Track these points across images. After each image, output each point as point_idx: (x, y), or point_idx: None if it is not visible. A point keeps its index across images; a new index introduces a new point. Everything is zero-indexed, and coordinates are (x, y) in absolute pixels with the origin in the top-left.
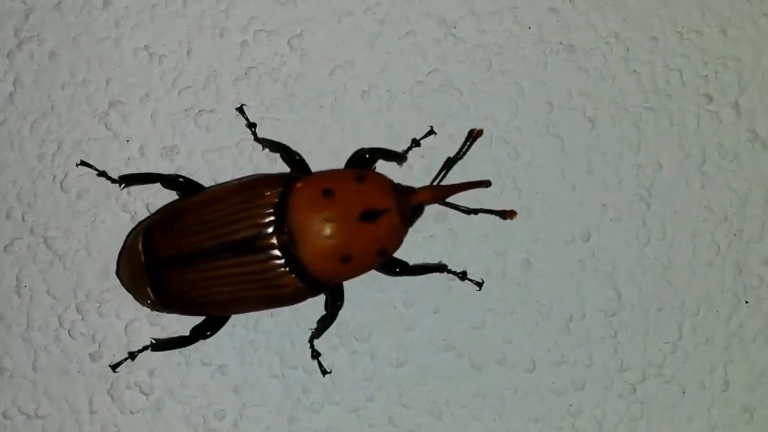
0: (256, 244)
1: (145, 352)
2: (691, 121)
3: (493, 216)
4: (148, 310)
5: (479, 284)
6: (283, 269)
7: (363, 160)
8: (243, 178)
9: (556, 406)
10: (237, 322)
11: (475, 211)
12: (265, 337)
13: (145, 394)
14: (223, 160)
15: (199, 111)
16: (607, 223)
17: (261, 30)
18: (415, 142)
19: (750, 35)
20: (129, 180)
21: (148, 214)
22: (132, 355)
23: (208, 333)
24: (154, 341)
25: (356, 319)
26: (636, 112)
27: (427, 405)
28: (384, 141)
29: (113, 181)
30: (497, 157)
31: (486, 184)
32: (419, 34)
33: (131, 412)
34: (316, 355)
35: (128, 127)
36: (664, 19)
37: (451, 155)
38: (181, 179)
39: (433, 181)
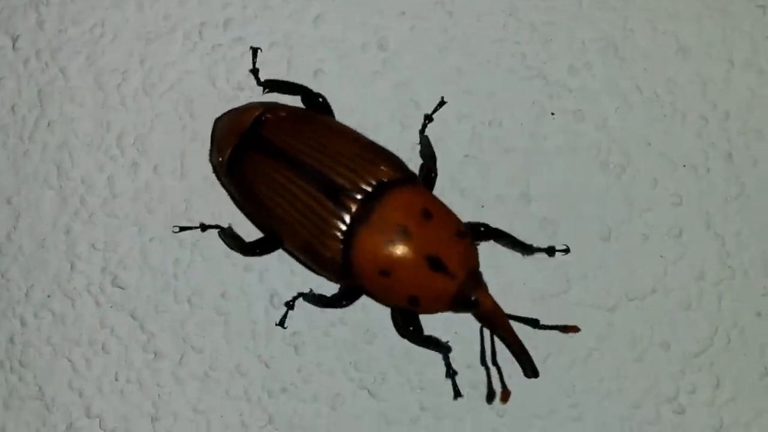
0: (339, 196)
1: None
2: None
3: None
4: None
5: (458, 394)
6: (338, 233)
7: (475, 230)
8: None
9: None
10: (10, 132)
11: (488, 363)
12: (40, 147)
13: None
14: None
15: None
16: (405, 32)
17: None
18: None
19: None
20: (272, 86)
21: None
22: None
23: (258, 251)
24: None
25: (138, 130)
26: None
27: (215, 211)
28: None
29: (259, 83)
30: None
31: (535, 374)
32: None
33: None
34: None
35: None
36: None
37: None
38: (320, 99)
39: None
